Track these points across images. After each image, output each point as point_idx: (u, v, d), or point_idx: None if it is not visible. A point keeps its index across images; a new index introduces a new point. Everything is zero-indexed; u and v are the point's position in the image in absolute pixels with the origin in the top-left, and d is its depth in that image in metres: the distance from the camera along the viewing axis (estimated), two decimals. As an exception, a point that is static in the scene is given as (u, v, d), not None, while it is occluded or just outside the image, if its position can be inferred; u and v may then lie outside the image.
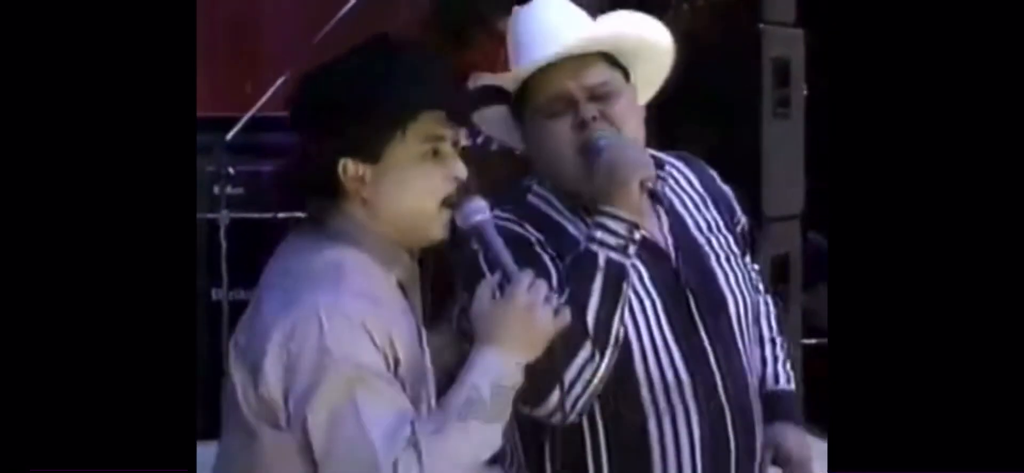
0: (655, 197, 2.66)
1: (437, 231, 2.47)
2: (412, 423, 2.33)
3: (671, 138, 2.93)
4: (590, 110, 2.67)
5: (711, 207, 2.85)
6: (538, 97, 2.71)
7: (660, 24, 2.83)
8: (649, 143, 2.79)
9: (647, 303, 2.67)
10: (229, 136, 5.01)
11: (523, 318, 2.40)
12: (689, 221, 2.79)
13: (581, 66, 2.70)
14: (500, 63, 2.86)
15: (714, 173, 2.93)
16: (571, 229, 2.71)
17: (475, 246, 2.56)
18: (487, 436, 2.39)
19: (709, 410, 2.67)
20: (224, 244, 4.98)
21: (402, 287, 2.48)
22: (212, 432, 2.52)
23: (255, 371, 2.37)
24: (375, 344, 2.35)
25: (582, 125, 2.67)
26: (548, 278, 2.54)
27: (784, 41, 5.06)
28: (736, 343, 2.74)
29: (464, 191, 2.47)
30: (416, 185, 2.44)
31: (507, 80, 2.74)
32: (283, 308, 2.37)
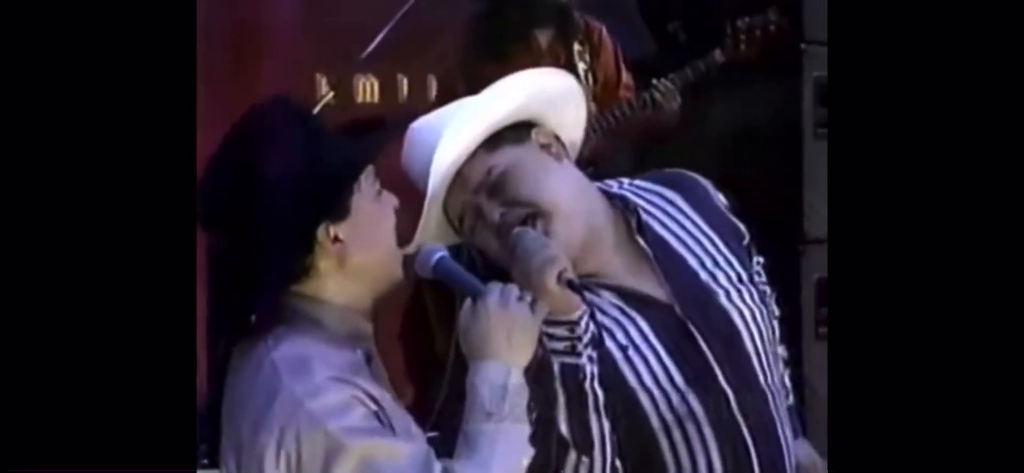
0: (573, 287, 2.51)
1: (399, 271, 2.46)
2: (438, 461, 2.30)
3: (714, 161, 2.89)
4: (494, 210, 2.60)
5: (712, 233, 2.72)
6: (455, 222, 2.65)
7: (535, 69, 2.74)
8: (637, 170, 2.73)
9: (652, 359, 2.59)
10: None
11: (501, 320, 2.38)
12: (689, 258, 2.68)
13: (464, 169, 2.61)
14: None
15: (709, 186, 2.80)
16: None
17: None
18: (511, 439, 2.36)
19: (731, 449, 2.62)
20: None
21: (368, 359, 2.43)
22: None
23: None
24: (368, 409, 2.30)
25: (500, 231, 2.59)
26: None
27: (825, 60, 5.02)
28: (756, 375, 2.66)
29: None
30: (381, 227, 2.43)
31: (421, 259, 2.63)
32: (263, 418, 2.30)
